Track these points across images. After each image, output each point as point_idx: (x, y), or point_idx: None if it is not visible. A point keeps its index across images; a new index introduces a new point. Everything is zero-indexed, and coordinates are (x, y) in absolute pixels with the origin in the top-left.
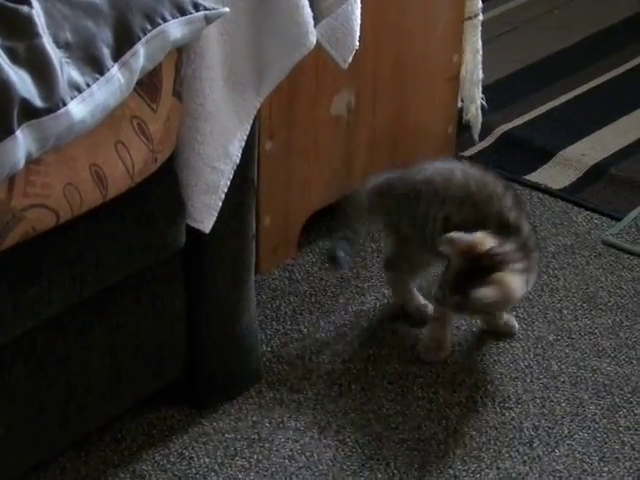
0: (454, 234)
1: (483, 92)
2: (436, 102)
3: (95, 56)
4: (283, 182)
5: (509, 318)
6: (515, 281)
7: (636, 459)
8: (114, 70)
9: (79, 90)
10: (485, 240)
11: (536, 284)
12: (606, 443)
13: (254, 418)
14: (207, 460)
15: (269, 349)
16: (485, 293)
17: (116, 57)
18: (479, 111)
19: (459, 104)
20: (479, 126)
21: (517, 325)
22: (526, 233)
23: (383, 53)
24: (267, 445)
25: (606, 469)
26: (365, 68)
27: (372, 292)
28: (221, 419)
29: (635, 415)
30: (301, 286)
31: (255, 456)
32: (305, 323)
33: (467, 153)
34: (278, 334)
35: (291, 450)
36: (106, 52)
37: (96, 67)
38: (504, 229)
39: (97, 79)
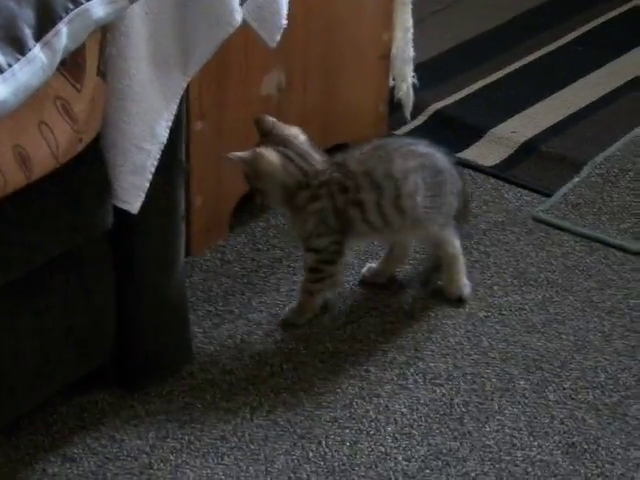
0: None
1: (415, 70)
2: (367, 80)
3: (17, 36)
4: (214, 163)
5: (461, 284)
6: (272, 156)
7: (565, 433)
8: (36, 50)
9: (1, 71)
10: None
11: (467, 261)
12: (536, 418)
13: (185, 399)
14: (139, 442)
15: (200, 330)
16: (236, 154)
17: (38, 37)
18: (410, 89)
19: (390, 82)
20: (411, 104)
21: (467, 291)
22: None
23: (313, 32)
24: (199, 426)
25: (536, 443)
26: (295, 47)
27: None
28: (152, 401)
29: (564, 389)
30: (233, 267)
31: (187, 437)
32: (237, 304)
33: (399, 131)
34: (210, 315)
35: (223, 431)
36: (28, 32)
37: (18, 47)
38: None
39: (19, 59)
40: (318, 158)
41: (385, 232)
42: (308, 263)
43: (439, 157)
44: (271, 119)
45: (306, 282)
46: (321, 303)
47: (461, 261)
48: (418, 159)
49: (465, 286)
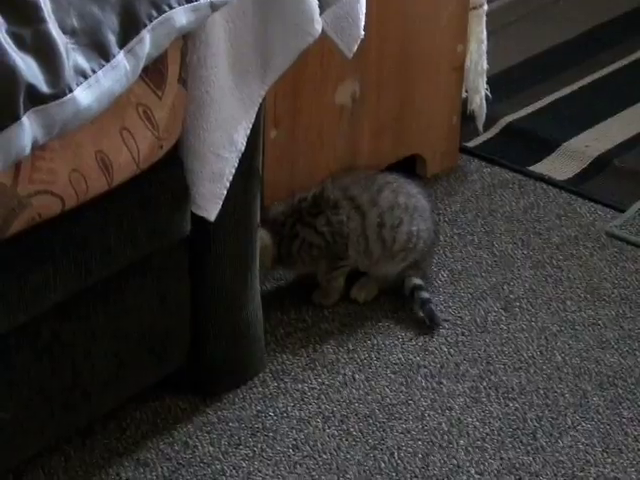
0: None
1: (487, 82)
2: (440, 92)
3: (101, 42)
4: (288, 170)
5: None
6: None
7: (639, 451)
8: (120, 57)
9: (85, 76)
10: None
11: (540, 275)
12: (609, 434)
13: (258, 407)
14: (211, 449)
15: (273, 338)
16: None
17: (122, 44)
18: (483, 101)
19: (463, 94)
20: (483, 117)
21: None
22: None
23: (388, 43)
24: (271, 434)
25: (609, 460)
26: (370, 58)
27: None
28: (225, 408)
29: (638, 407)
30: None
31: (259, 445)
32: (309, 313)
33: (471, 144)
34: (282, 323)
35: (295, 439)
36: (112, 38)
37: (102, 53)
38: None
39: (103, 65)
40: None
41: (365, 261)
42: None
43: (425, 200)
44: None
45: (324, 274)
46: (342, 286)
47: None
48: (408, 198)
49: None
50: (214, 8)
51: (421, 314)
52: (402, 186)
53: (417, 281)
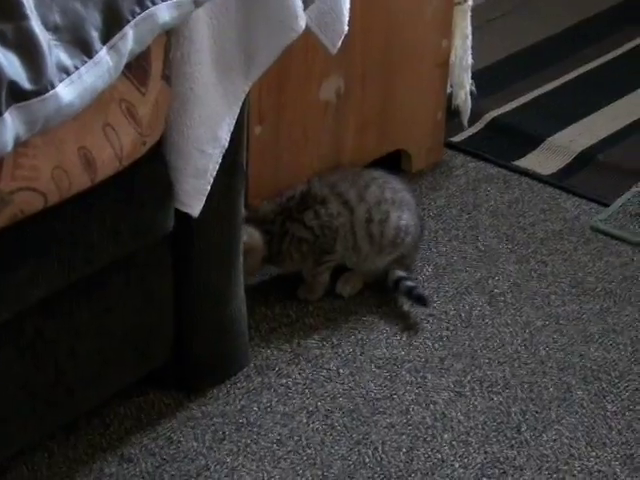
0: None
1: (472, 78)
2: (425, 88)
3: (84, 39)
4: (272, 166)
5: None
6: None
7: (623, 444)
8: (103, 53)
9: (67, 73)
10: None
11: (524, 270)
12: (593, 428)
13: (242, 402)
14: (195, 444)
15: (257, 333)
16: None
17: (105, 40)
18: (468, 97)
19: (448, 90)
20: (468, 112)
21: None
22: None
23: (372, 38)
24: (255, 429)
25: (593, 454)
26: (354, 53)
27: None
28: (209, 403)
29: (622, 400)
30: None
31: (243, 440)
32: (294, 308)
33: (456, 139)
34: (267, 319)
35: (279, 434)
36: (95, 35)
37: (85, 50)
38: None
39: (85, 62)
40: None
41: (353, 257)
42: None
43: (410, 195)
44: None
45: (310, 269)
46: (327, 281)
47: None
48: (394, 193)
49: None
50: (197, 4)
51: (406, 305)
52: (388, 181)
53: (401, 273)
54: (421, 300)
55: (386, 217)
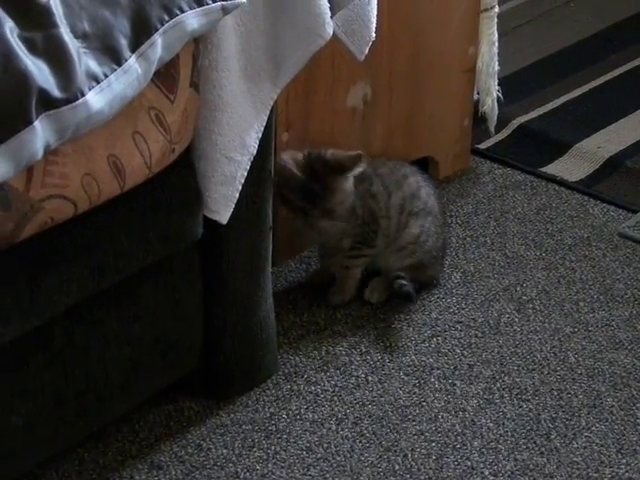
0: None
1: (499, 84)
2: (452, 94)
3: (113, 47)
4: None
5: (404, 283)
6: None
7: None
8: (132, 61)
9: (97, 80)
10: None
11: (552, 276)
12: (624, 435)
13: (271, 410)
14: (225, 451)
15: (286, 341)
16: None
17: (134, 48)
18: (495, 103)
19: (475, 96)
20: (495, 118)
21: (413, 293)
22: None
23: (399, 45)
24: (284, 437)
25: (624, 461)
26: (381, 60)
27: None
28: (238, 410)
29: None
30: None
31: (273, 447)
32: (322, 315)
33: (483, 145)
34: (295, 326)
35: (308, 442)
36: (124, 43)
37: (114, 58)
38: None
39: (115, 70)
40: None
41: (384, 244)
42: (346, 248)
43: (437, 202)
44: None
45: (344, 258)
46: (359, 279)
47: None
48: (428, 195)
49: None
50: (225, 11)
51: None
52: (425, 181)
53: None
54: (408, 297)
55: (416, 213)
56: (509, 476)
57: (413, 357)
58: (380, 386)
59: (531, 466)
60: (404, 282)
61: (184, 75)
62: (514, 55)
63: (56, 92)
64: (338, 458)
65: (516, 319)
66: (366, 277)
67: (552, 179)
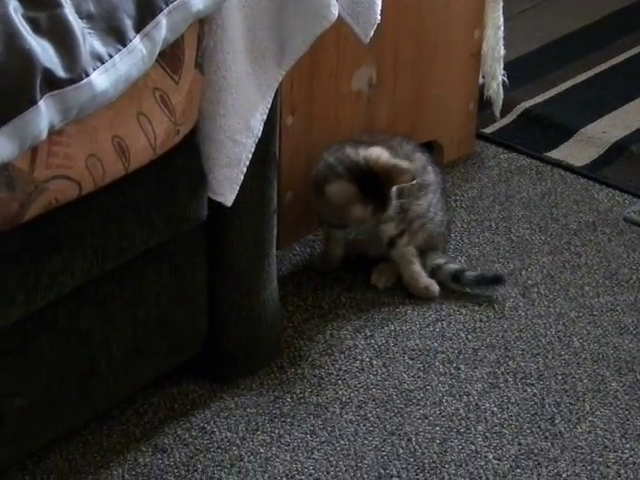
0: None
1: (504, 69)
2: (457, 78)
3: (117, 27)
4: (304, 157)
5: (431, 283)
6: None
7: None
8: (136, 41)
9: (102, 61)
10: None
11: (557, 261)
12: (628, 420)
13: (275, 393)
14: (229, 434)
15: (290, 324)
16: None
17: (138, 28)
18: (500, 88)
19: (480, 80)
20: (500, 103)
21: (437, 288)
22: None
23: (404, 28)
24: (289, 420)
25: (628, 446)
26: (386, 43)
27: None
28: (243, 394)
29: None
30: None
31: (277, 431)
32: (326, 299)
33: (488, 130)
34: (299, 309)
35: (312, 425)
36: (128, 23)
37: (118, 38)
38: None
39: (119, 50)
40: None
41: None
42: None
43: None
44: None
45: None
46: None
47: None
48: (435, 174)
49: None
50: None
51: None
52: (428, 159)
53: (440, 259)
54: (498, 279)
55: (426, 186)
56: (513, 460)
57: (417, 341)
58: (384, 370)
59: (535, 450)
60: (472, 272)
61: (189, 56)
62: (520, 39)
63: (61, 72)
64: (342, 442)
65: (521, 303)
66: (372, 262)
67: (557, 164)
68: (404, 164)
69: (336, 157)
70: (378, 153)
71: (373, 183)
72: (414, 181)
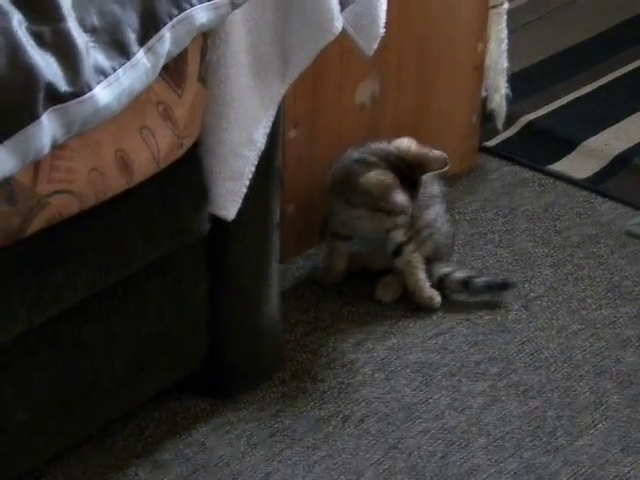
0: None
1: (508, 81)
2: (460, 91)
3: (121, 40)
4: (307, 170)
5: (435, 294)
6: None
7: None
8: (140, 55)
9: (105, 75)
10: None
11: (560, 274)
12: (629, 433)
13: (277, 407)
14: (229, 450)
15: (292, 338)
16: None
17: (142, 42)
18: (503, 100)
19: (483, 93)
20: (503, 115)
21: (440, 299)
22: None
23: (408, 41)
24: (290, 434)
25: (629, 459)
26: (390, 56)
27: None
28: (243, 408)
29: None
30: None
31: (277, 445)
32: (328, 312)
33: (491, 142)
34: (301, 323)
35: (314, 439)
36: (132, 37)
37: (122, 52)
38: None
39: (123, 64)
40: None
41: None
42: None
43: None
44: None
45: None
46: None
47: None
48: (440, 186)
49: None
50: (234, 6)
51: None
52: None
53: (446, 268)
54: (505, 285)
55: (435, 195)
56: (514, 474)
57: (419, 354)
58: (386, 383)
59: (536, 464)
60: (481, 278)
61: (192, 70)
62: (523, 52)
63: (64, 86)
64: (343, 456)
65: (523, 316)
66: (374, 275)
67: (560, 176)
68: (436, 152)
69: (363, 151)
70: (408, 142)
71: (406, 172)
72: (446, 167)
